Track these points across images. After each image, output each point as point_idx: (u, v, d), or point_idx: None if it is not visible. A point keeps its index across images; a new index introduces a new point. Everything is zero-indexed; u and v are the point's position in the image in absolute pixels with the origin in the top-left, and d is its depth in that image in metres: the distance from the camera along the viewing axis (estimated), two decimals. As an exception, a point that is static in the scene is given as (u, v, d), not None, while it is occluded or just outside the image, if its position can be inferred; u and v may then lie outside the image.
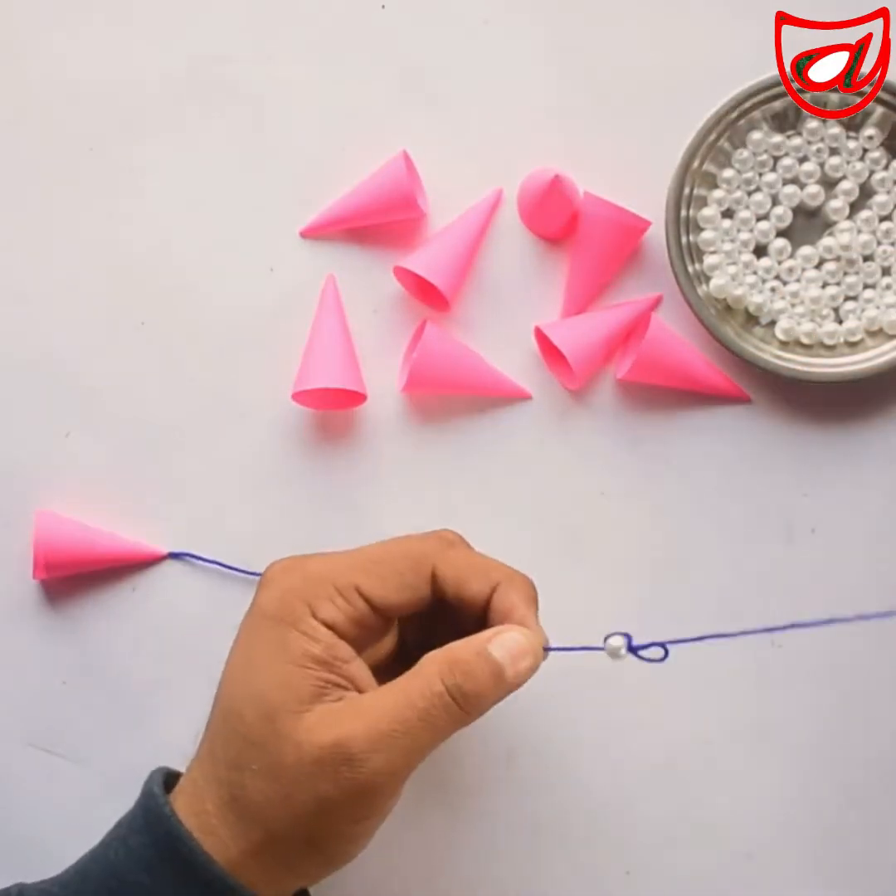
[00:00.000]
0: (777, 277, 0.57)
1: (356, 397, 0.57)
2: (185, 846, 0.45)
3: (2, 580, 0.58)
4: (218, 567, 0.58)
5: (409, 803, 0.57)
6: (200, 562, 0.58)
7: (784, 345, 0.57)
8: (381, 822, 0.47)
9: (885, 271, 0.56)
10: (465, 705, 0.45)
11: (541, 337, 0.57)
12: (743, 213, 0.56)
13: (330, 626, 0.46)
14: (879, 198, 0.56)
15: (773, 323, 0.57)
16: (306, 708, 0.45)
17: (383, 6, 0.58)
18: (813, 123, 0.56)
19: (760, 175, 0.56)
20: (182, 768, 0.49)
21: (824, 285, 0.57)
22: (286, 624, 0.46)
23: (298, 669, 0.46)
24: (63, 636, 0.58)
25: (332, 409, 0.58)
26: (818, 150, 0.56)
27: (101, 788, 0.58)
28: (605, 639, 0.48)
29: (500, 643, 0.46)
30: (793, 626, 0.46)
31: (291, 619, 0.46)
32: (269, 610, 0.47)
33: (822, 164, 0.56)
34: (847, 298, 0.57)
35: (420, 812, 0.57)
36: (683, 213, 0.56)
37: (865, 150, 0.56)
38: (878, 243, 0.56)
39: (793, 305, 0.57)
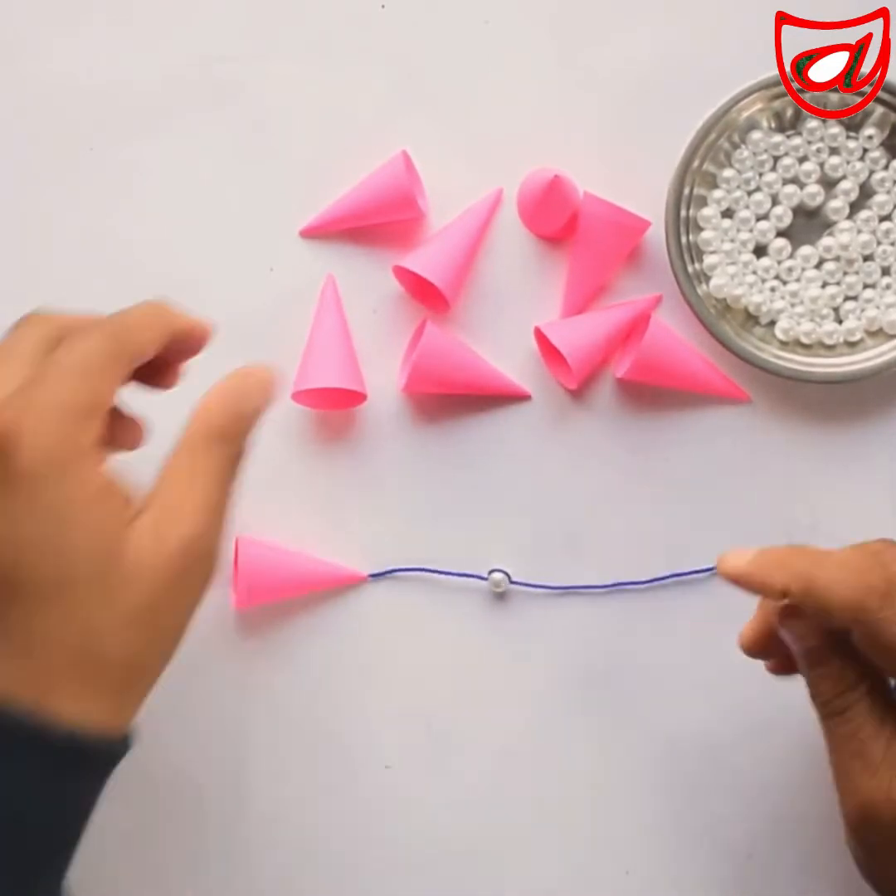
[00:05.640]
0: (777, 277, 0.57)
1: (356, 397, 0.57)
2: None
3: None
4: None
5: (406, 797, 0.57)
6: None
7: (784, 344, 0.57)
8: None
9: (885, 271, 0.56)
10: None
11: (540, 337, 0.57)
12: (743, 213, 0.56)
13: None
14: (879, 198, 0.56)
15: (772, 322, 0.57)
16: None
17: (383, 6, 0.58)
18: (813, 123, 0.56)
19: (760, 175, 0.56)
20: None
21: (824, 285, 0.57)
22: None
23: None
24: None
25: (332, 409, 0.58)
26: (818, 150, 0.56)
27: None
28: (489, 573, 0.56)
29: None
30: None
31: None
32: None
33: (821, 164, 0.56)
34: (847, 298, 0.57)
35: (418, 806, 0.57)
36: (683, 212, 0.56)
37: (865, 150, 0.56)
38: (878, 243, 0.56)
39: (792, 305, 0.57)
